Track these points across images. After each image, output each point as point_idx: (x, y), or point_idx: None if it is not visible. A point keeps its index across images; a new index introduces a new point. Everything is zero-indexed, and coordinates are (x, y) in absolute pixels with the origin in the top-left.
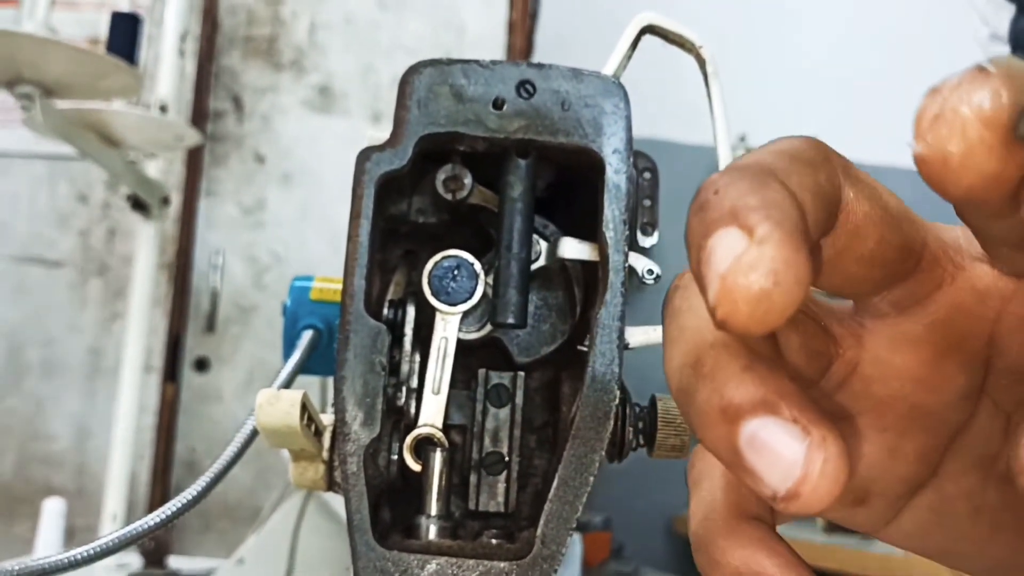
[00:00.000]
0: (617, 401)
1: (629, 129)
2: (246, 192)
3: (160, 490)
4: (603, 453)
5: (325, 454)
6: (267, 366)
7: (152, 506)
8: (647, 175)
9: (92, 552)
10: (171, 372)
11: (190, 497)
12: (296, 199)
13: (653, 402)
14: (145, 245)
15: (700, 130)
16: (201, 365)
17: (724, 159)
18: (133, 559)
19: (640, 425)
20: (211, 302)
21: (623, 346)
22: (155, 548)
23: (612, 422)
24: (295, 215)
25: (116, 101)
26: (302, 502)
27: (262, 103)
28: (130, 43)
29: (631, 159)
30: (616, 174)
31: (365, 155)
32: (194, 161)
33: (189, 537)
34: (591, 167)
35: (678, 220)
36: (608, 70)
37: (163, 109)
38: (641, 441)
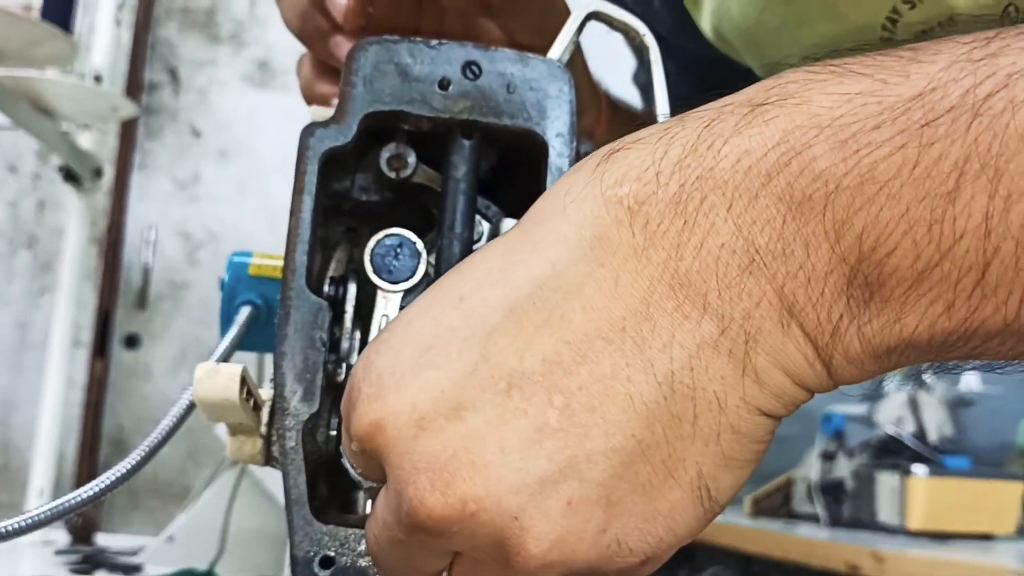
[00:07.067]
0: None
1: (573, 113)
2: (181, 166)
3: (87, 467)
4: None
5: (263, 429)
6: (199, 344)
7: (79, 483)
8: None
9: (20, 525)
10: (100, 348)
11: (123, 471)
12: (232, 175)
13: None
14: (76, 218)
15: None
16: (131, 342)
17: None
18: (60, 536)
19: None
20: (143, 278)
21: None
22: (82, 525)
23: None
24: (231, 191)
25: (50, 70)
26: (235, 480)
27: (199, 76)
28: (65, 10)
29: (574, 143)
30: (559, 157)
31: (309, 131)
32: (128, 133)
33: (117, 515)
34: (534, 150)
35: None
36: (553, 55)
37: (98, 79)
38: None
